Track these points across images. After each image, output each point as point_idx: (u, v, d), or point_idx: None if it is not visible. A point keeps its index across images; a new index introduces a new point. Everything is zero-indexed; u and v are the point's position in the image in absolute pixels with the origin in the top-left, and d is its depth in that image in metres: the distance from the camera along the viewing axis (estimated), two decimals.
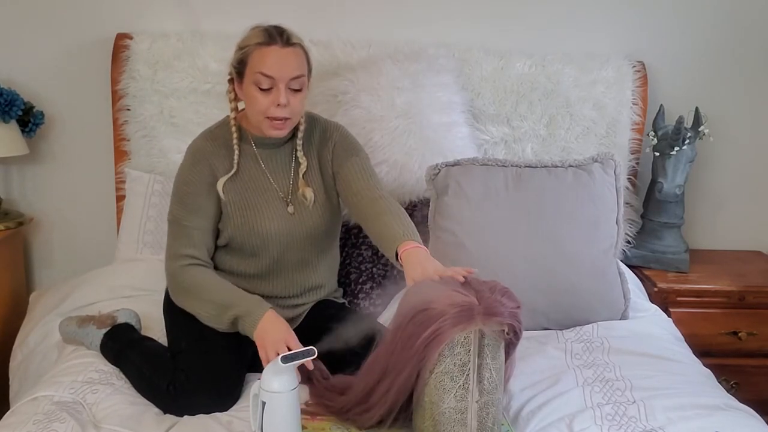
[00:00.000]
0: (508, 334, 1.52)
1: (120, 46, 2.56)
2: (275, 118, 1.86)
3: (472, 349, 1.46)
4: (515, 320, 1.51)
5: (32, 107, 2.59)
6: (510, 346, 1.56)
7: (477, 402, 1.48)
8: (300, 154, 1.97)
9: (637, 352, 1.97)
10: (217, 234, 1.97)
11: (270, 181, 1.97)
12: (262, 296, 1.96)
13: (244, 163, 1.95)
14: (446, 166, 2.23)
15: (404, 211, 1.87)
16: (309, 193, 1.96)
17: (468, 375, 1.46)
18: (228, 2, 2.62)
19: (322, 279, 2.06)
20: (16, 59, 2.63)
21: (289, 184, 1.98)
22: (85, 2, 2.62)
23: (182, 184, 1.95)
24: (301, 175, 1.97)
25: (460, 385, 1.46)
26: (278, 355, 1.57)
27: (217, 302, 1.85)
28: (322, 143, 2.01)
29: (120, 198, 2.59)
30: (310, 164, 1.99)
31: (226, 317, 1.83)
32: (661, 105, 2.66)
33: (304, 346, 1.60)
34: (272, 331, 1.75)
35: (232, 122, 1.94)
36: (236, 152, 1.93)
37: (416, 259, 1.66)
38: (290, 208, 1.96)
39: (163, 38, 2.56)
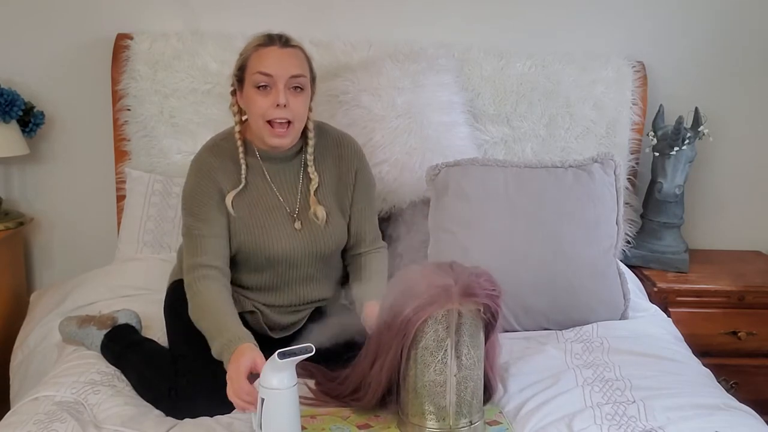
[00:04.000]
0: (485, 314, 1.62)
1: (120, 46, 2.56)
2: (275, 123, 1.83)
3: (449, 326, 1.56)
4: (492, 302, 1.60)
5: (32, 107, 2.59)
6: (489, 327, 1.65)
7: (455, 376, 1.58)
8: (311, 169, 1.93)
9: (637, 351, 1.97)
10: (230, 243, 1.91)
11: (277, 196, 1.93)
12: (265, 305, 1.96)
13: (251, 178, 1.91)
14: (446, 166, 2.23)
15: (385, 267, 2.04)
16: (321, 212, 1.92)
17: (446, 350, 1.57)
18: (228, 2, 2.62)
19: (326, 292, 2.03)
20: (16, 59, 2.63)
21: (296, 199, 1.94)
22: (85, 2, 2.62)
23: (189, 197, 1.89)
24: (312, 192, 1.93)
25: (438, 360, 1.58)
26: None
27: (209, 329, 1.74)
28: (340, 161, 1.98)
29: (120, 198, 2.59)
30: (321, 180, 1.95)
31: (214, 347, 1.70)
32: (661, 105, 2.66)
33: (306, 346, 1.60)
34: (230, 368, 1.62)
35: (237, 135, 1.90)
36: (243, 166, 1.89)
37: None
38: (297, 224, 1.92)
39: (163, 38, 2.56)
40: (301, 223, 1.93)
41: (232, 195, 1.88)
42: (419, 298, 1.55)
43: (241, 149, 1.89)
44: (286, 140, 1.87)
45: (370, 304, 1.83)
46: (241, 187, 1.89)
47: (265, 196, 1.92)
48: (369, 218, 2.05)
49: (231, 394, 1.58)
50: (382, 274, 2.00)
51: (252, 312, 1.96)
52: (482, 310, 1.61)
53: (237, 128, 1.91)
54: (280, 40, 1.84)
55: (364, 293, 1.92)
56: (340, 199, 1.99)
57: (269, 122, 1.84)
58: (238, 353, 1.62)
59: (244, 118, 1.92)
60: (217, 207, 1.88)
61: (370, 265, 2.02)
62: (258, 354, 1.62)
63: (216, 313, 1.76)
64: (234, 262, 1.94)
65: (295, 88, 1.84)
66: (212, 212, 1.87)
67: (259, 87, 1.82)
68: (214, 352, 1.69)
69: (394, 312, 1.59)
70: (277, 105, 1.81)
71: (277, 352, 1.51)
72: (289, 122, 1.84)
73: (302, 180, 1.95)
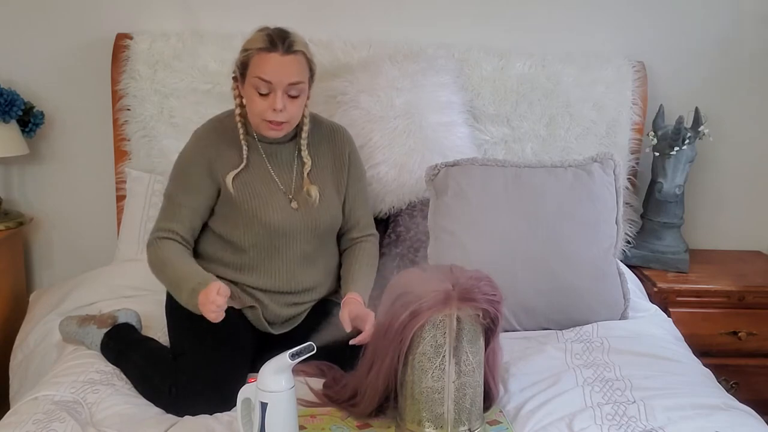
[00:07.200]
0: (484, 319, 1.59)
1: (120, 46, 2.56)
2: (271, 121, 1.90)
3: (447, 331, 1.53)
4: (491, 306, 1.58)
5: (32, 107, 2.59)
6: (490, 333, 1.63)
7: (454, 383, 1.56)
8: (305, 153, 2.00)
9: (637, 352, 1.97)
10: (205, 218, 1.99)
11: (273, 176, 1.99)
12: (262, 290, 1.99)
13: (250, 156, 1.98)
14: (446, 166, 2.23)
15: (375, 259, 2.12)
16: (314, 192, 1.99)
17: (444, 356, 1.54)
18: (228, 2, 2.63)
19: (321, 276, 2.06)
20: (16, 59, 2.63)
21: (291, 181, 2.00)
22: (85, 2, 2.62)
23: (180, 162, 1.99)
24: (305, 174, 2.00)
25: (436, 366, 1.55)
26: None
27: (172, 278, 1.88)
28: (334, 145, 2.07)
29: (120, 198, 2.59)
30: (315, 163, 2.02)
31: (183, 293, 1.83)
32: (661, 105, 2.66)
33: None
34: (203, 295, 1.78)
35: (238, 118, 1.97)
36: (245, 147, 1.96)
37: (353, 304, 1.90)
38: (294, 204, 1.98)
39: (163, 38, 2.56)
40: (298, 203, 1.99)
41: (232, 174, 1.94)
42: (417, 302, 1.53)
43: (241, 130, 1.97)
44: (281, 134, 1.95)
45: (351, 295, 1.93)
46: (242, 166, 1.95)
47: (263, 174, 1.98)
48: (362, 203, 2.14)
49: (207, 310, 1.75)
50: (370, 265, 2.09)
51: (252, 307, 1.97)
52: (482, 315, 1.58)
53: (237, 111, 1.98)
54: (283, 45, 1.86)
55: (348, 281, 2.01)
56: (336, 179, 2.06)
57: (265, 119, 1.91)
58: (205, 289, 1.77)
59: (244, 101, 1.96)
60: (203, 181, 1.96)
61: (360, 253, 2.09)
62: (222, 284, 1.78)
63: (178, 264, 1.89)
64: (232, 243, 1.97)
65: (292, 93, 1.89)
66: (196, 181, 1.95)
67: (258, 91, 1.88)
68: (183, 300, 1.83)
69: (391, 316, 1.57)
70: (274, 109, 1.87)
71: (286, 353, 1.52)
72: (283, 121, 1.92)
73: (296, 162, 2.02)
